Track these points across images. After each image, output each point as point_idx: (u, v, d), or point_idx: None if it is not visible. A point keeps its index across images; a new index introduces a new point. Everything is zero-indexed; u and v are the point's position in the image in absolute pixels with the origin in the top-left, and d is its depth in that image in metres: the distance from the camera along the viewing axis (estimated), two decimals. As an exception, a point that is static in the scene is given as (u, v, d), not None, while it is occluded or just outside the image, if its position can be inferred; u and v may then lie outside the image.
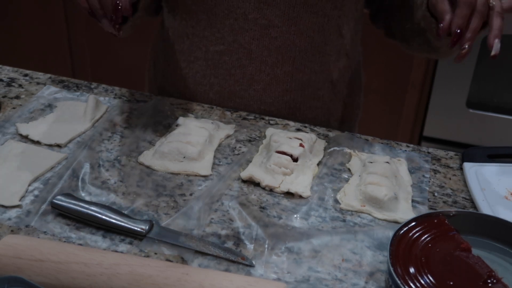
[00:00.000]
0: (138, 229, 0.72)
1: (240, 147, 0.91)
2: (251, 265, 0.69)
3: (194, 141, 0.87)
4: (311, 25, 0.97)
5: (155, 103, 0.99)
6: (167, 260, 0.70)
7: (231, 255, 0.70)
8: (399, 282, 0.63)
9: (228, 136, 0.93)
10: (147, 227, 0.72)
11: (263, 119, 0.98)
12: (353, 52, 1.07)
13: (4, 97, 0.99)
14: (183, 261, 0.69)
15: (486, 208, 0.79)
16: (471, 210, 0.80)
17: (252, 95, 1.02)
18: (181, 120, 0.93)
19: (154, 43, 1.13)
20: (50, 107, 0.97)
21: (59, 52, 2.25)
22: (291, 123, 0.98)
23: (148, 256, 0.70)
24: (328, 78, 1.04)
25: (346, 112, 1.11)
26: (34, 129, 0.90)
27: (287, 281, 0.67)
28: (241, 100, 1.02)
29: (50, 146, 0.87)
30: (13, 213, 0.75)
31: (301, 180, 0.83)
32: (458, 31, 0.78)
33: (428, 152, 0.92)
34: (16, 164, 0.82)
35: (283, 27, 0.96)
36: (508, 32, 1.77)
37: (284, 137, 0.88)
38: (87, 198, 0.78)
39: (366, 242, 0.73)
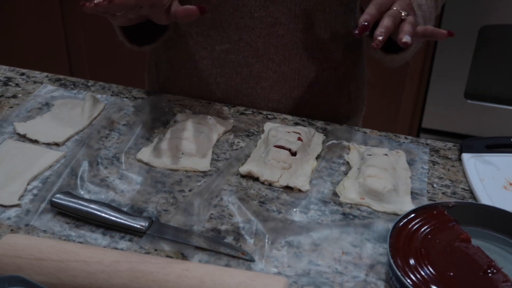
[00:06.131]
0: (138, 226, 0.72)
1: (238, 142, 0.91)
2: (252, 260, 0.69)
3: (192, 137, 0.87)
4: (318, 22, 0.96)
5: (152, 100, 0.99)
6: (167, 256, 0.70)
7: (231, 250, 0.70)
8: (399, 274, 0.63)
9: (226, 132, 0.93)
10: (146, 224, 0.72)
11: (261, 113, 0.98)
12: (358, 47, 1.06)
13: (1, 96, 0.99)
14: (183, 257, 0.70)
15: (485, 198, 0.79)
16: (470, 200, 0.80)
17: (259, 93, 1.01)
18: (179, 116, 0.93)
19: None
20: (47, 105, 0.97)
21: (56, 51, 2.24)
22: (289, 117, 0.98)
23: (148, 253, 0.70)
24: (335, 74, 1.03)
25: (352, 108, 1.11)
26: (32, 128, 0.90)
27: (288, 275, 0.68)
28: (248, 98, 1.02)
29: (48, 144, 0.87)
30: (12, 212, 0.75)
31: (300, 174, 0.83)
32: (365, 23, 0.77)
33: (427, 144, 0.92)
34: (14, 163, 0.82)
35: (290, 24, 0.96)
36: (505, 22, 1.77)
37: (282, 132, 0.88)
38: (86, 196, 0.78)
39: (366, 235, 0.74)
